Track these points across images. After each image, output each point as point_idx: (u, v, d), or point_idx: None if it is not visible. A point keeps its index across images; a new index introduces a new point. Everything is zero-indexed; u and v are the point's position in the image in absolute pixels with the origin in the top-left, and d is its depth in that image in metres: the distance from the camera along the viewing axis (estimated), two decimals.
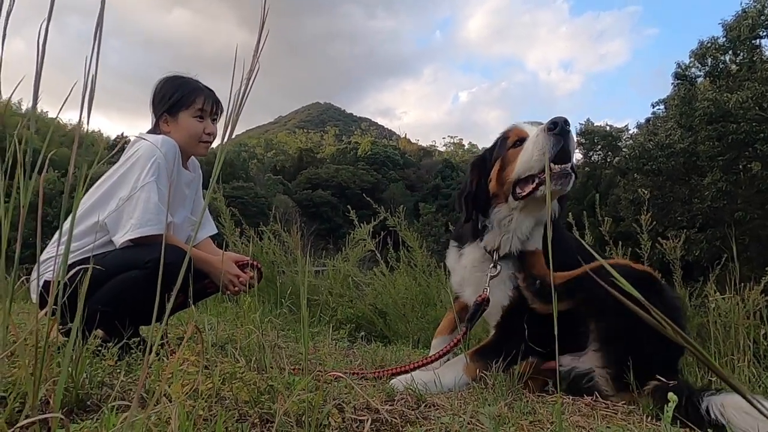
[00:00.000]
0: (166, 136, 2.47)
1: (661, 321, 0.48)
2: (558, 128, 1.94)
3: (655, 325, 0.49)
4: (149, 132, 2.56)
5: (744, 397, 0.53)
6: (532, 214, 2.12)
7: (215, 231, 2.99)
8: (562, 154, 1.95)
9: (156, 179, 2.24)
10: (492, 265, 2.18)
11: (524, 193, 2.05)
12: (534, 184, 2.01)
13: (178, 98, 2.52)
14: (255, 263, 2.62)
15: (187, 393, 1.14)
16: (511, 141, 2.16)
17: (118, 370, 1.64)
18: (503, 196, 2.15)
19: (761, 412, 0.53)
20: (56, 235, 2.31)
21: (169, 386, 1.07)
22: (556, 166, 1.95)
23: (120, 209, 2.19)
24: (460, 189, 2.37)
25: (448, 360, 2.23)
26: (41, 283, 2.17)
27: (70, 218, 1.02)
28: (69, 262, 2.12)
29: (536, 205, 2.08)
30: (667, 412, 1.00)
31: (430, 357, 2.20)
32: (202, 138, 2.55)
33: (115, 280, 2.12)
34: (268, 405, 1.28)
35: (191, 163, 2.71)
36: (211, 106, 2.58)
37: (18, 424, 0.69)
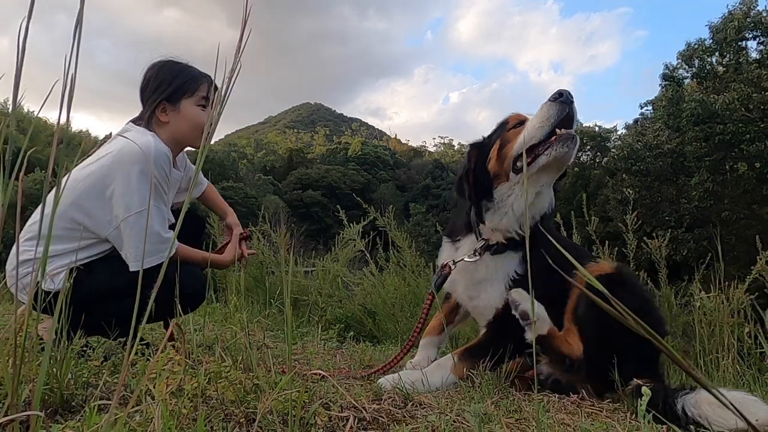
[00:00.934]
0: (160, 130, 2.29)
1: (624, 313, 0.49)
2: (564, 97, 1.94)
3: (619, 318, 0.50)
4: (139, 122, 2.33)
5: (705, 388, 0.54)
6: (532, 187, 2.07)
7: (206, 183, 2.87)
8: (566, 121, 1.95)
9: (155, 203, 2.13)
10: (474, 252, 2.17)
11: (528, 160, 1.99)
12: (538, 151, 1.98)
13: (179, 84, 2.30)
14: (247, 234, 2.59)
15: (171, 392, 1.14)
16: (511, 124, 2.15)
17: (104, 371, 1.63)
18: (504, 175, 2.12)
19: (722, 402, 0.54)
20: (24, 231, 2.13)
21: (154, 385, 1.07)
22: (562, 129, 1.94)
23: (118, 228, 2.10)
24: (458, 174, 2.33)
25: (436, 359, 2.24)
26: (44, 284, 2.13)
27: (48, 218, 1.01)
28: (60, 263, 2.08)
29: (537, 176, 2.05)
30: (641, 405, 1.02)
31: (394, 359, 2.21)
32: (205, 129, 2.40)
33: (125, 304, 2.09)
34: (254, 404, 1.28)
35: (180, 159, 2.51)
36: (215, 95, 2.42)
37: None
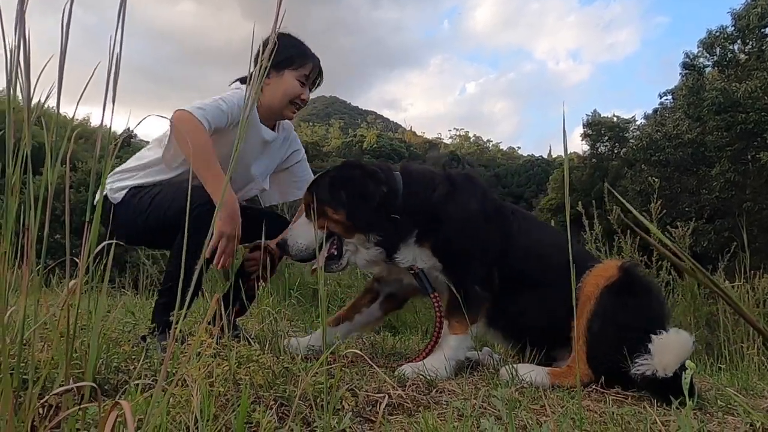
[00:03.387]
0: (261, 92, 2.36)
1: (694, 268, 0.49)
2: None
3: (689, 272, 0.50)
4: (240, 79, 2.53)
5: None
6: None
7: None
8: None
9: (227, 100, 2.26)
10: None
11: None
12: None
13: (289, 55, 2.41)
14: (268, 247, 2.31)
15: (203, 375, 1.16)
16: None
17: (134, 357, 1.67)
18: None
19: None
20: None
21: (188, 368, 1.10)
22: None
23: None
24: None
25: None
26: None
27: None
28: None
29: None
30: (685, 379, 1.01)
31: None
32: (295, 100, 2.46)
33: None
34: (283, 388, 1.30)
35: (286, 127, 2.67)
36: (316, 77, 2.52)
37: (54, 392, 0.70)
